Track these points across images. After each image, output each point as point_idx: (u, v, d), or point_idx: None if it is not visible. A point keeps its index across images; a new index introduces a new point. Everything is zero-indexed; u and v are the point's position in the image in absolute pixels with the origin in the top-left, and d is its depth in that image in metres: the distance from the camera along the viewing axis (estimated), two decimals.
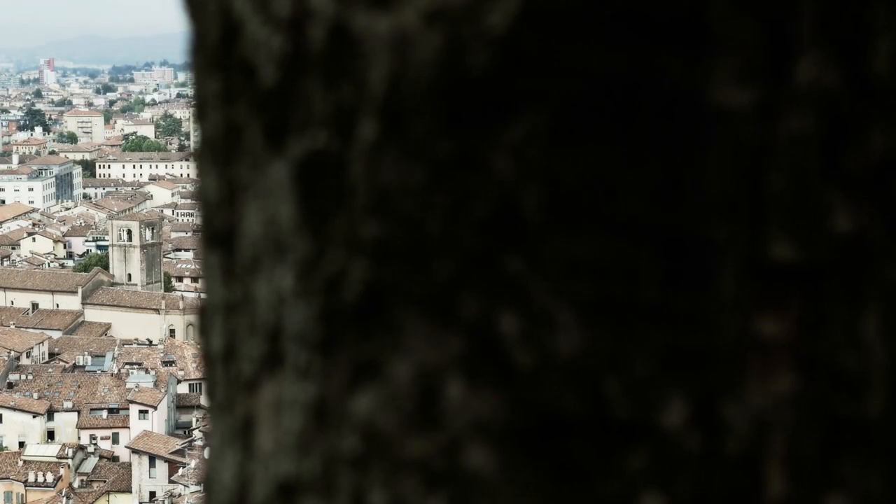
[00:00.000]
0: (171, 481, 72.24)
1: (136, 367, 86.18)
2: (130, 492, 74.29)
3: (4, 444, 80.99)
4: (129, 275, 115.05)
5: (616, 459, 0.60)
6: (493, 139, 0.61)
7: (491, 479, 0.61)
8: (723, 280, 0.59)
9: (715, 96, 0.59)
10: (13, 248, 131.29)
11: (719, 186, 0.59)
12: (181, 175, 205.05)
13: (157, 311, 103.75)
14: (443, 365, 0.62)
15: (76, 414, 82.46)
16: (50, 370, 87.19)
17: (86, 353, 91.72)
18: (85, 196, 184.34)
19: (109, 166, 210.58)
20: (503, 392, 0.61)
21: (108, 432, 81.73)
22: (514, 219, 0.61)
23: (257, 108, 0.70)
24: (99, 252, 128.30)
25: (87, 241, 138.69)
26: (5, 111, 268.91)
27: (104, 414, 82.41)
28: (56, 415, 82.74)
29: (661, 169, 0.59)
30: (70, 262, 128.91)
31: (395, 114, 0.63)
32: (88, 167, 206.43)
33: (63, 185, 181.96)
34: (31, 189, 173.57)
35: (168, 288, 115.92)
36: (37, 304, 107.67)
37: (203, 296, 0.79)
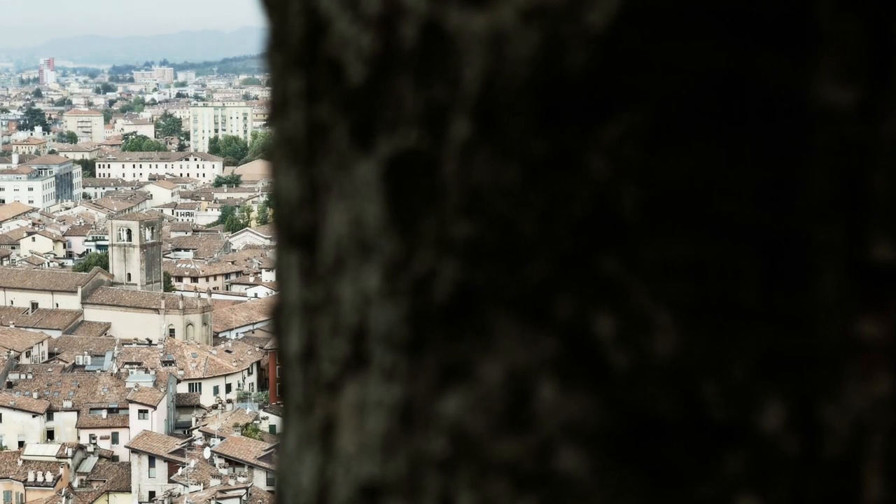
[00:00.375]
0: (170, 481, 72.26)
1: (135, 366, 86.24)
2: (130, 491, 74.30)
3: (4, 444, 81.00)
4: (129, 274, 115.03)
5: (712, 462, 0.59)
6: (590, 138, 0.60)
7: (583, 481, 0.61)
8: (823, 281, 0.58)
9: (818, 96, 0.58)
10: (13, 248, 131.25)
11: (821, 186, 0.58)
12: (181, 175, 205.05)
13: (156, 310, 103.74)
14: (535, 366, 0.62)
15: (76, 413, 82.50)
16: (49, 370, 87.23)
17: (85, 352, 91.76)
18: (84, 196, 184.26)
19: (109, 166, 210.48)
20: (597, 394, 0.61)
21: (108, 432, 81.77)
22: (611, 219, 0.60)
23: (344, 106, 0.69)
24: (98, 252, 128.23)
25: (86, 240, 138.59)
26: (5, 111, 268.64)
27: (104, 413, 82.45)
28: (55, 414, 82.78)
29: (762, 168, 0.58)
30: (70, 262, 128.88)
31: (490, 112, 0.63)
32: (88, 167, 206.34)
33: (63, 185, 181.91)
34: (30, 189, 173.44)
35: (168, 288, 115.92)
36: (36, 304, 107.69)
37: (277, 295, 0.78)
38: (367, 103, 0.67)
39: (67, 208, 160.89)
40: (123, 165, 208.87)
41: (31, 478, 73.25)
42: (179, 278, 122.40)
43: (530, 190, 0.62)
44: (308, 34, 0.71)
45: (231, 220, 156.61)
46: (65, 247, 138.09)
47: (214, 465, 72.46)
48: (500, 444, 0.63)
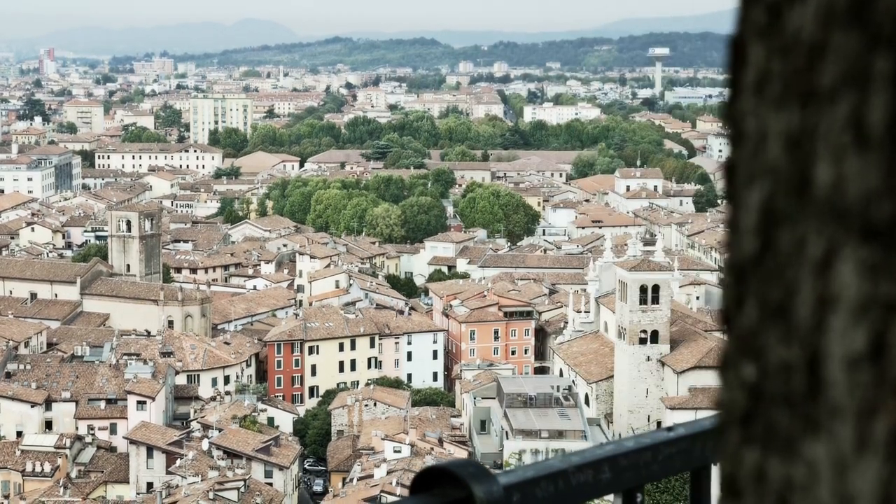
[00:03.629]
0: (168, 472, 72.34)
1: (134, 357, 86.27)
2: (128, 482, 74.37)
3: (2, 434, 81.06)
4: (128, 265, 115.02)
5: None
6: None
7: None
8: None
9: None
10: (12, 238, 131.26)
11: None
12: (180, 166, 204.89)
13: (155, 301, 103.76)
14: None
15: (74, 404, 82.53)
16: (48, 360, 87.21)
17: (84, 343, 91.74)
18: (84, 186, 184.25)
19: (109, 157, 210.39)
20: None
21: (106, 423, 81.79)
22: None
23: None
24: (98, 242, 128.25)
25: (86, 231, 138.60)
26: (5, 101, 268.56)
27: (102, 404, 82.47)
28: (54, 405, 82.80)
29: None
30: (69, 253, 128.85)
31: None
32: (88, 157, 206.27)
33: (62, 175, 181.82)
34: (30, 179, 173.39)
35: (166, 279, 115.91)
36: (35, 294, 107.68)
37: (809, 290, 0.73)
38: None
39: (67, 199, 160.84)
40: (123, 156, 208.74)
41: (29, 468, 73.32)
42: (178, 270, 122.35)
43: None
44: None
45: (230, 212, 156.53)
46: (64, 237, 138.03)
47: (212, 457, 72.54)
48: None
